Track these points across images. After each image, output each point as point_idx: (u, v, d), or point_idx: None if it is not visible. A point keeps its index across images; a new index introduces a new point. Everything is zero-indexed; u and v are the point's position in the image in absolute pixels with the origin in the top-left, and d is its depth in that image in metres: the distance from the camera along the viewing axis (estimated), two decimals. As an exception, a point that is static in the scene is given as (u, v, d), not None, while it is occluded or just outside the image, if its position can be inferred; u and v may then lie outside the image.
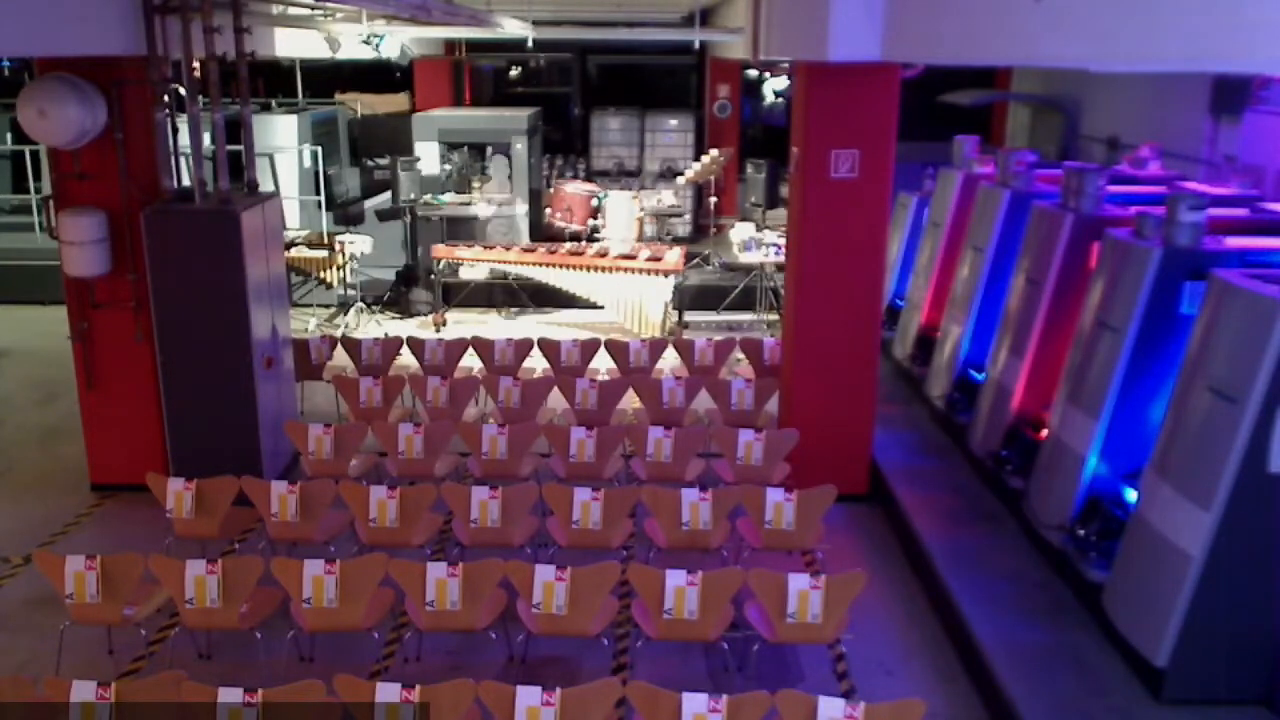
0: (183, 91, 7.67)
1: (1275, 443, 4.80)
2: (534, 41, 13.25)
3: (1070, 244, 6.85)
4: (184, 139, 8.34)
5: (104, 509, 7.88)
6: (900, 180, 8.32)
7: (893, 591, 6.75)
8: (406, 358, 9.39)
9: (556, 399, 8.49)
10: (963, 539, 6.92)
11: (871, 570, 6.07)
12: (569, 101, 20.89)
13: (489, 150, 15.24)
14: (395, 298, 12.97)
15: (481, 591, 5.51)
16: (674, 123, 17.83)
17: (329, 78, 20.25)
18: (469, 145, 15.27)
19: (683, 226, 16.39)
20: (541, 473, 7.60)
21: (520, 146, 14.80)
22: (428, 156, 14.36)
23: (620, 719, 5.01)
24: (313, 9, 10.26)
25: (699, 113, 18.40)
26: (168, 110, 7.52)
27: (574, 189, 14.60)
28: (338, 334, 11.02)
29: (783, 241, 11.35)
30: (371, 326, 12.36)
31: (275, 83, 19.30)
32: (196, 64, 7.37)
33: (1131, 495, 5.88)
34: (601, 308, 12.02)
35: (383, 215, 13.31)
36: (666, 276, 11.59)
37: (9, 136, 15.56)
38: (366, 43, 12.74)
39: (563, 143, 19.83)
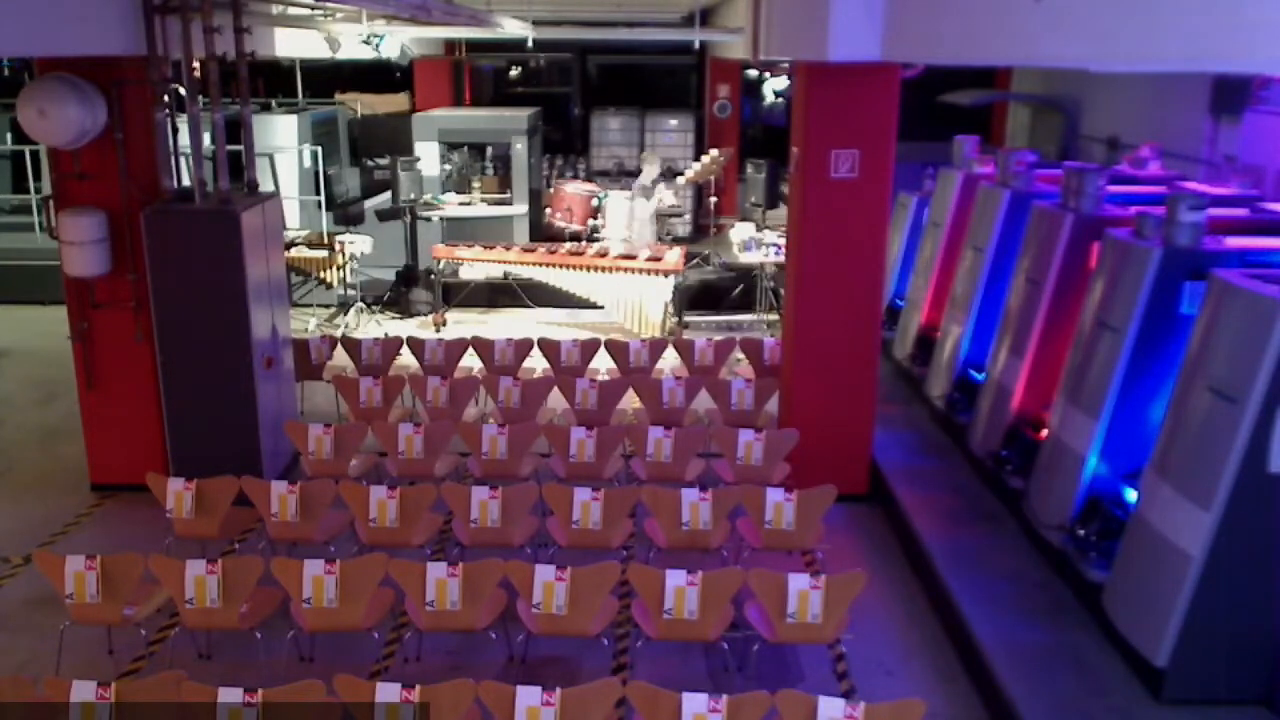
0: (183, 91, 7.67)
1: (1275, 443, 4.80)
2: (534, 41, 13.25)
3: (1070, 244, 6.85)
4: (184, 139, 8.34)
5: (104, 509, 7.88)
6: (900, 180, 8.32)
7: (893, 591, 6.75)
8: (406, 358, 9.39)
9: (556, 399, 8.49)
10: (963, 539, 6.92)
11: (871, 570, 6.07)
12: (569, 101, 20.89)
13: (488, 150, 15.26)
14: (395, 298, 12.97)
15: (481, 591, 5.51)
16: (674, 123, 17.84)
17: (329, 78, 20.25)
18: (469, 145, 15.27)
19: (683, 226, 16.39)
20: (541, 473, 7.60)
21: (520, 146, 14.80)
22: (428, 156, 14.36)
23: (620, 719, 5.01)
24: (313, 9, 10.26)
25: (699, 113, 18.41)
26: (168, 110, 7.52)
27: (574, 189, 14.61)
28: (338, 334, 11.02)
29: (783, 241, 11.35)
30: (371, 326, 12.36)
31: (275, 83, 19.30)
32: (196, 64, 7.37)
33: (1131, 495, 5.88)
34: (601, 308, 12.02)
35: (383, 215, 13.30)
36: (666, 276, 11.59)
37: (9, 136, 15.56)
38: (366, 43, 12.75)
39: (563, 143, 19.83)
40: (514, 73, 22.59)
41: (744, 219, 15.36)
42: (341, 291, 12.77)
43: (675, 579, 5.34)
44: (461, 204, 14.47)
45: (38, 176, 14.31)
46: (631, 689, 4.56)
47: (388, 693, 4.48)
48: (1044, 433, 6.83)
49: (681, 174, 16.18)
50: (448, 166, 14.98)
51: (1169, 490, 5.24)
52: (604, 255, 11.85)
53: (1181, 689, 5.13)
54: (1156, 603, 5.22)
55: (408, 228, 12.92)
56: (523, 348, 9.27)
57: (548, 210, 14.95)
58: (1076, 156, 11.91)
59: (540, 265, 11.96)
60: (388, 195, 13.47)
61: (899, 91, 7.37)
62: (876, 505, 7.91)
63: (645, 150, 14.72)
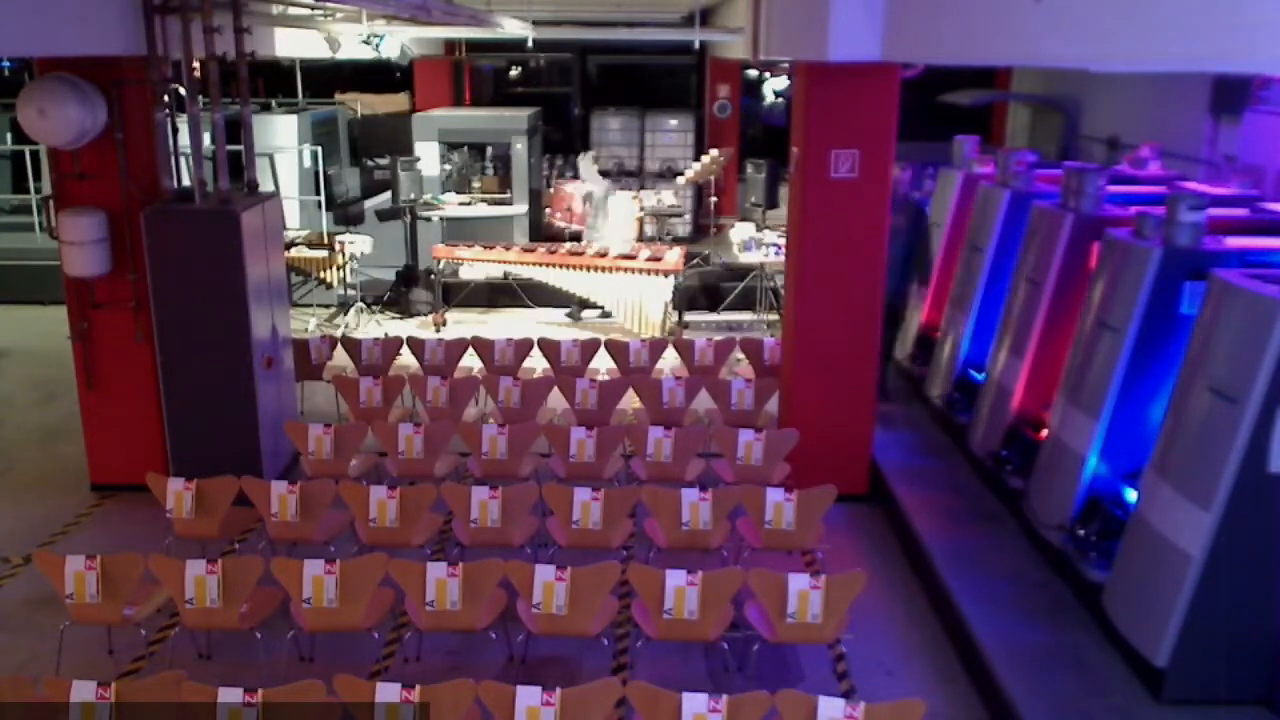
0: (183, 91, 7.67)
1: (1275, 443, 4.80)
2: (534, 41, 13.24)
3: (1070, 244, 6.85)
4: (184, 139, 8.34)
5: (104, 509, 7.88)
6: (900, 180, 8.32)
7: (893, 591, 6.75)
8: (406, 358, 9.39)
9: (556, 399, 8.49)
10: (963, 539, 6.92)
11: (871, 570, 6.07)
12: (569, 101, 20.88)
13: (488, 150, 15.26)
14: (395, 298, 12.97)
15: (481, 591, 5.51)
16: (674, 123, 17.84)
17: (329, 78, 20.25)
18: (469, 145, 15.27)
19: (683, 226, 16.39)
20: (541, 473, 7.60)
21: (520, 146, 14.80)
22: (428, 156, 14.36)
23: (620, 719, 5.01)
24: (313, 9, 10.26)
25: (699, 113, 18.41)
26: (168, 110, 7.52)
27: (574, 189, 14.60)
28: (338, 334, 11.02)
29: (783, 241, 11.34)
30: (371, 326, 12.36)
31: (275, 83, 19.30)
32: (196, 64, 7.37)
33: (1131, 495, 5.88)
34: (601, 308, 12.02)
35: (383, 215, 13.31)
36: (666, 276, 11.60)
37: (9, 136, 15.56)
38: (366, 43, 12.75)
39: (563, 143, 19.83)
40: (514, 73, 22.59)
41: (744, 219, 15.36)
42: (341, 291, 12.77)
43: (675, 579, 5.34)
44: (461, 204, 14.46)
45: (38, 176, 14.32)
46: (631, 689, 4.56)
47: (388, 693, 4.48)
48: (1044, 433, 6.83)
49: (681, 174, 16.18)
50: (448, 166, 14.99)
51: (1169, 490, 5.24)
52: (604, 255, 11.86)
53: (1181, 689, 5.13)
54: (1156, 603, 5.22)
55: (408, 228, 12.92)
56: (523, 348, 9.27)
57: (548, 210, 14.95)
58: (1076, 156, 11.91)
59: (540, 265, 11.97)
60: (388, 195, 13.47)
61: (899, 91, 7.37)
62: (876, 505, 7.91)
63: (583, 155, 14.73)
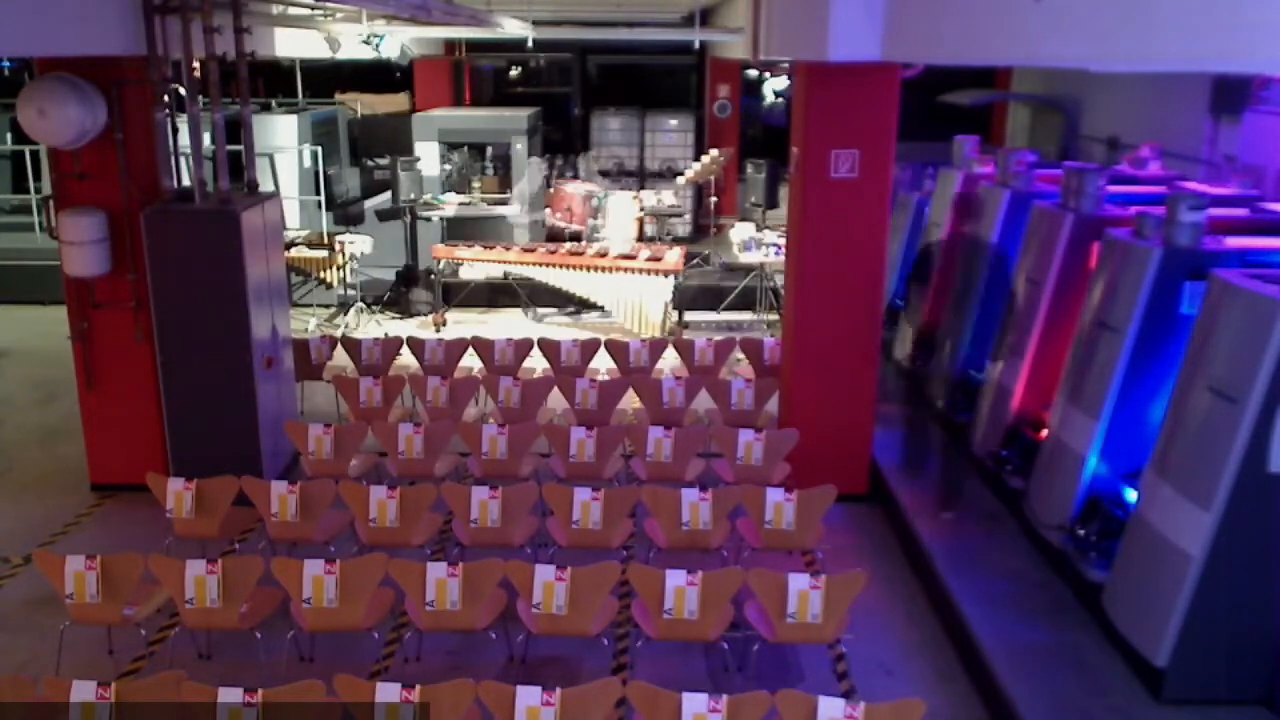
0: (183, 91, 7.67)
1: (1275, 443, 4.80)
2: (534, 41, 13.26)
3: (1070, 244, 6.85)
4: (184, 139, 8.34)
5: (104, 509, 7.88)
6: (900, 180, 8.32)
7: (893, 591, 6.75)
8: (406, 358, 9.39)
9: (556, 399, 8.49)
10: (963, 539, 6.92)
11: (871, 570, 6.06)
12: (569, 101, 20.88)
13: (488, 150, 15.26)
14: (395, 298, 12.97)
15: (481, 591, 5.51)
16: (674, 123, 17.84)
17: (329, 78, 20.25)
18: (469, 145, 15.27)
19: (683, 226, 16.39)
20: (541, 473, 7.60)
21: (520, 146, 14.80)
22: (428, 156, 14.36)
23: (620, 719, 5.01)
24: (313, 9, 10.26)
25: (699, 113, 18.41)
26: (168, 110, 7.52)
27: (574, 189, 14.60)
28: (338, 334, 11.02)
29: (783, 241, 11.35)
30: (371, 326, 12.36)
31: (275, 83, 19.30)
32: (196, 64, 7.37)
33: (1131, 495, 5.88)
34: (601, 308, 12.02)
35: (383, 215, 13.31)
36: (666, 276, 11.60)
37: (9, 136, 15.55)
38: (366, 43, 12.75)
39: (563, 143, 19.83)
40: (514, 73, 22.58)
41: (744, 219, 15.37)
42: (341, 291, 12.77)
43: (675, 579, 5.34)
44: (462, 204, 14.47)
45: (38, 176, 14.32)
46: (631, 689, 4.56)
47: (388, 693, 4.48)
48: (1044, 433, 6.83)
49: (681, 174, 16.18)
50: (448, 166, 14.98)
51: (1169, 490, 5.24)
52: (604, 255, 11.86)
53: (1181, 689, 5.13)
54: (1156, 603, 5.22)
55: (408, 228, 12.92)
56: (523, 348, 9.27)
57: (548, 210, 14.96)
58: (1076, 156, 11.92)
59: (540, 265, 11.97)
60: (388, 195, 13.48)
61: (899, 91, 7.37)
62: (876, 505, 7.91)
63: (532, 158, 14.81)
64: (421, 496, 6.43)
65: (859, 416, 7.86)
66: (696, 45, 16.45)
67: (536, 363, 9.39)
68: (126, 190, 7.48)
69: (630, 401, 8.51)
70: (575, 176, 16.45)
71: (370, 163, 17.37)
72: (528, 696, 4.42)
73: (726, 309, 12.98)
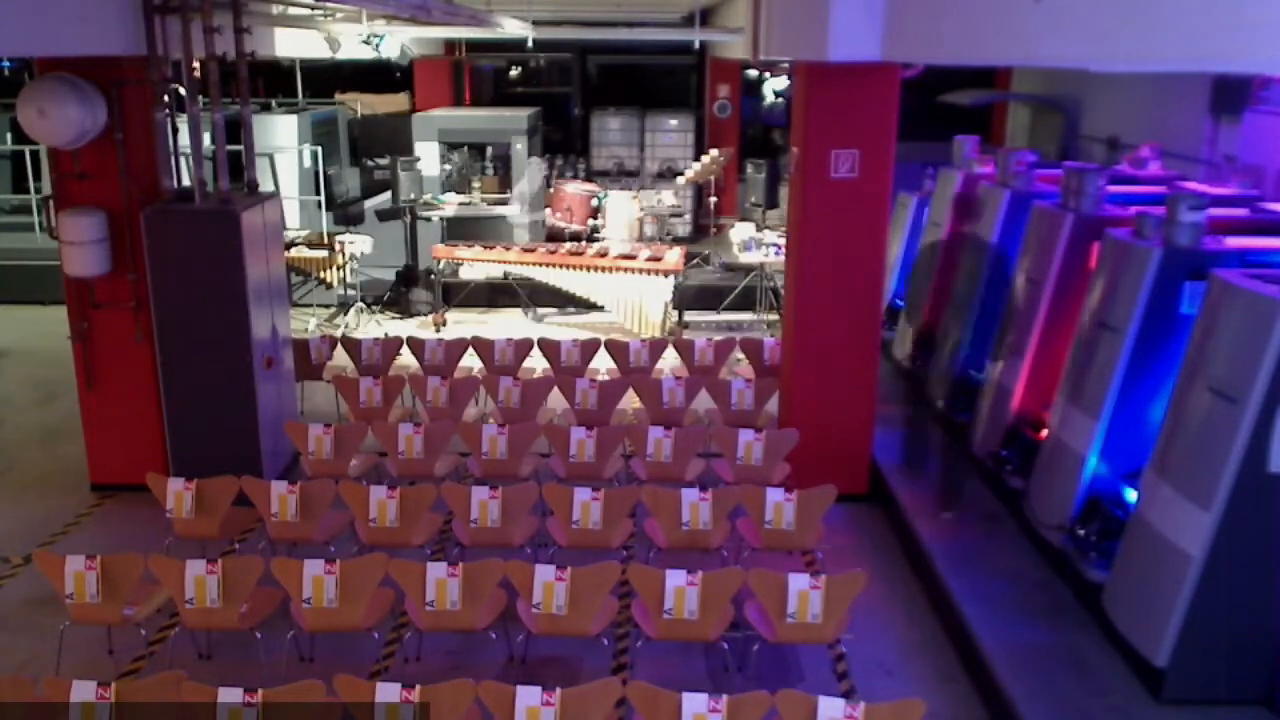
0: (183, 91, 7.67)
1: (1275, 443, 4.80)
2: (534, 41, 13.25)
3: (1070, 244, 6.85)
4: (184, 139, 8.34)
5: (104, 509, 7.88)
6: (900, 180, 8.32)
7: (893, 591, 6.75)
8: (406, 358, 9.40)
9: (556, 399, 8.49)
10: (963, 539, 6.92)
11: (871, 570, 6.07)
12: (569, 101, 20.88)
13: (488, 150, 15.26)
14: (395, 298, 12.97)
15: (481, 591, 5.51)
16: (674, 123, 17.84)
17: (329, 78, 20.24)
18: (469, 145, 15.27)
19: (683, 226, 16.39)
20: (541, 473, 7.60)
21: (520, 146, 14.81)
22: (428, 156, 14.37)
23: (620, 719, 5.01)
24: (313, 9, 10.26)
25: (699, 113, 18.40)
26: (168, 110, 7.51)
27: (574, 189, 14.61)
28: (338, 334, 11.02)
29: (783, 241, 11.35)
30: (371, 326, 12.36)
31: (275, 83, 19.29)
32: (196, 64, 7.37)
33: (1131, 495, 5.88)
34: (601, 308, 12.02)
35: (383, 215, 13.31)
36: (666, 276, 11.60)
37: (9, 136, 15.56)
38: (366, 43, 12.74)
39: (563, 143, 19.83)
40: (514, 73, 22.57)
41: (744, 219, 15.37)
42: (341, 291, 12.77)
43: (675, 579, 5.34)
44: (462, 204, 14.47)
45: (38, 176, 14.32)
46: (631, 689, 4.56)
47: (388, 693, 4.48)
48: (1044, 433, 6.83)
49: (681, 174, 16.18)
50: (448, 166, 14.99)
51: (1169, 490, 5.24)
52: (604, 255, 11.86)
53: (1181, 689, 5.13)
54: (1156, 603, 5.22)
55: (408, 228, 12.92)
56: (523, 348, 9.27)
57: (548, 210, 14.96)
58: (1076, 156, 11.92)
59: (540, 265, 11.97)
60: (388, 195, 13.48)
61: (899, 91, 7.37)
62: (876, 505, 7.91)
63: (532, 158, 14.82)
64: (421, 496, 6.43)
65: (859, 416, 7.86)
66: (696, 45, 16.45)
67: (536, 363, 9.39)
68: (126, 190, 7.48)
69: (630, 401, 8.51)
70: (575, 177, 16.46)
71: (370, 163, 17.37)
72: (528, 696, 4.43)
73: (726, 309, 12.98)
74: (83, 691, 4.50)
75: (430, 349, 9.20)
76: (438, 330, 12.07)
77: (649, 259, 11.69)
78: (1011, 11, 4.47)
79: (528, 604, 5.45)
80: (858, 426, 7.87)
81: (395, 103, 20.05)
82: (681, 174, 16.16)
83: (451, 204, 14.17)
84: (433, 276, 12.66)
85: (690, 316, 12.60)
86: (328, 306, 13.02)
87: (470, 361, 9.43)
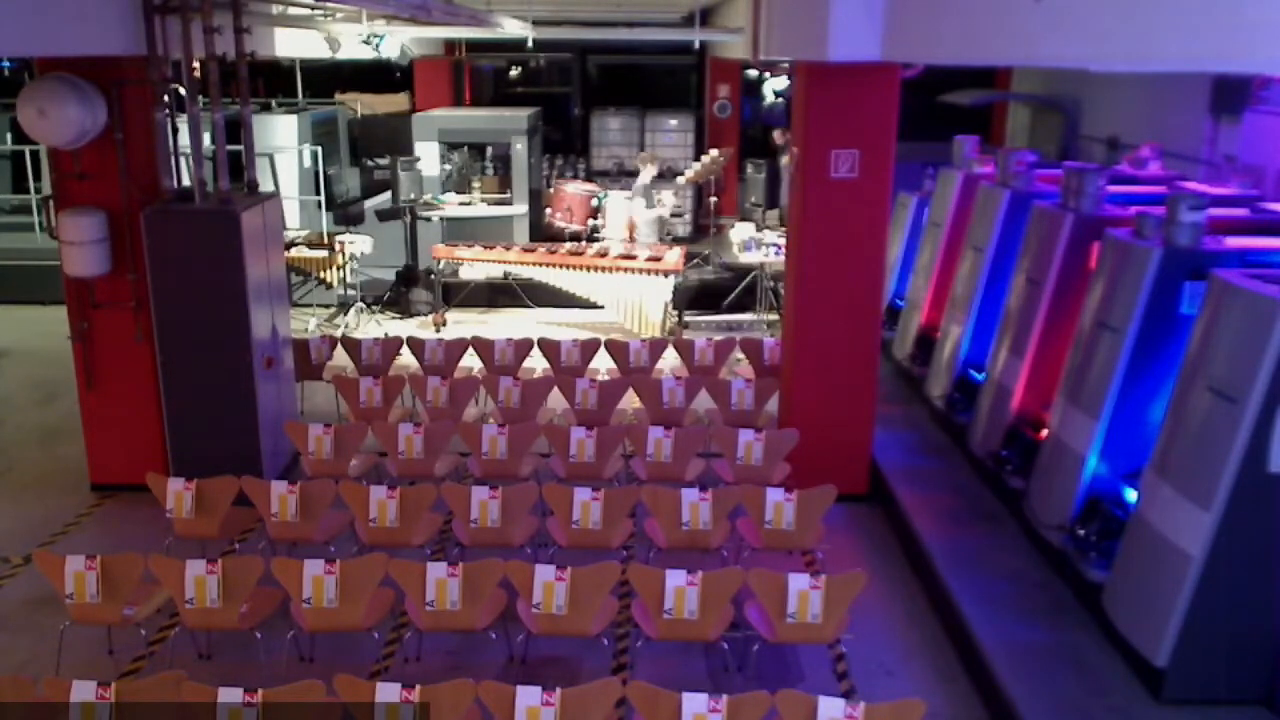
0: (183, 91, 7.67)
1: (1275, 443, 4.80)
2: (534, 41, 13.24)
3: (1070, 244, 6.85)
4: (184, 139, 8.34)
5: (104, 509, 7.88)
6: (900, 180, 8.32)
7: (893, 591, 6.75)
8: (406, 358, 9.40)
9: (556, 399, 8.49)
10: (963, 539, 6.92)
11: (871, 570, 6.07)
12: (569, 101, 20.88)
13: (488, 150, 15.26)
14: (395, 298, 12.97)
15: (481, 591, 5.51)
16: (674, 123, 17.84)
17: (329, 78, 20.25)
18: (469, 145, 15.28)
19: (683, 226, 16.39)
20: (541, 473, 7.60)
21: (520, 146, 14.81)
22: (428, 156, 14.37)
23: (620, 719, 5.01)
24: (313, 9, 10.26)
25: (699, 113, 18.40)
26: (168, 110, 7.52)
27: (574, 189, 14.61)
28: (338, 334, 11.02)
29: (783, 241, 11.35)
30: (371, 326, 12.36)
31: (275, 83, 19.29)
32: (196, 64, 7.37)
33: (1131, 495, 5.88)
34: (602, 308, 12.03)
35: (383, 215, 13.31)
36: (666, 276, 11.60)
37: (9, 136, 15.55)
38: (366, 43, 12.74)
39: (563, 143, 19.84)
40: (514, 73, 22.57)
41: (744, 219, 15.37)
42: (341, 291, 12.77)
43: (675, 579, 5.34)
44: (462, 204, 14.48)
45: (38, 176, 14.32)
46: (631, 689, 4.56)
47: (388, 693, 4.48)
48: (1044, 433, 6.83)
49: (681, 174, 16.18)
50: (448, 166, 14.99)
51: (1169, 490, 5.24)
52: (604, 255, 11.86)
53: (1181, 689, 5.13)
54: (1156, 603, 5.22)
55: (408, 228, 12.92)
56: (523, 348, 9.27)
57: (548, 210, 14.96)
58: (1076, 156, 11.92)
59: (540, 265, 11.97)
60: (388, 195, 13.48)
61: (899, 91, 7.37)
62: (876, 505, 7.91)
63: (645, 150, 14.78)
64: (421, 496, 6.43)
65: (859, 416, 7.86)
66: (696, 45, 16.45)
67: (536, 363, 9.39)
68: (126, 190, 7.48)
69: (630, 401, 8.51)
70: (575, 177, 16.45)
71: (370, 163, 17.37)
72: (528, 696, 4.43)
73: (726, 309, 12.98)
74: (83, 691, 4.50)
75: (430, 349, 9.20)
76: (438, 330, 12.07)
77: (649, 259, 11.69)
78: (1011, 11, 4.47)
79: (528, 604, 5.45)
80: (858, 426, 7.87)
81: (395, 103, 20.05)
82: (681, 174, 16.16)
83: (451, 204, 14.17)
84: (433, 276, 12.66)
85: (690, 316, 12.60)
86: (328, 306, 13.02)
87: (470, 361, 9.43)
